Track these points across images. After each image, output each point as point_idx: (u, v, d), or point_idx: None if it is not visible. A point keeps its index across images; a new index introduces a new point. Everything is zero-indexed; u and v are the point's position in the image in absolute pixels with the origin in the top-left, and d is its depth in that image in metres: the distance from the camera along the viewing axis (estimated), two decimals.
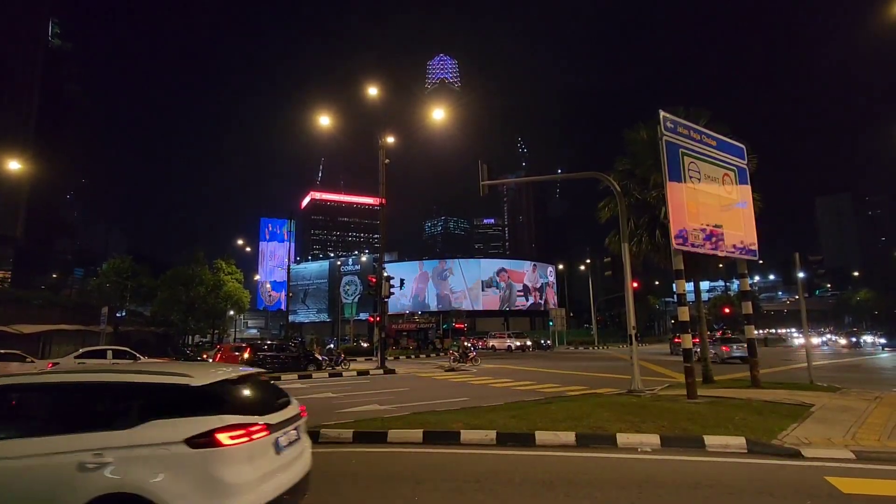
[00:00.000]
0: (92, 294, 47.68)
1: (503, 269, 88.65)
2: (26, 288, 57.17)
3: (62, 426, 3.74)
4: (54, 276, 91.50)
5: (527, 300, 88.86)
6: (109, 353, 20.13)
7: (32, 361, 21.73)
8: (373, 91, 29.83)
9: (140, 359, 20.51)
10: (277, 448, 3.92)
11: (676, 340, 33.27)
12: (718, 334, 62.11)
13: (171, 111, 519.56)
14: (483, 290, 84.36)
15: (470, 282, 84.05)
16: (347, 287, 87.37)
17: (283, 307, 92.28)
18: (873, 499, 5.07)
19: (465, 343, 28.83)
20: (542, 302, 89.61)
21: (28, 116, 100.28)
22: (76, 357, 19.55)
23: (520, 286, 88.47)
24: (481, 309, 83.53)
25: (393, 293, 26.38)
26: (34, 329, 31.91)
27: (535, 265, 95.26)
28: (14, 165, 38.27)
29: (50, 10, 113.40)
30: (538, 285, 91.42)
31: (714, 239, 12.61)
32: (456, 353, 26.05)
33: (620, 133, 16.23)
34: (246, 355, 22.70)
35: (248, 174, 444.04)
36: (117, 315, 44.56)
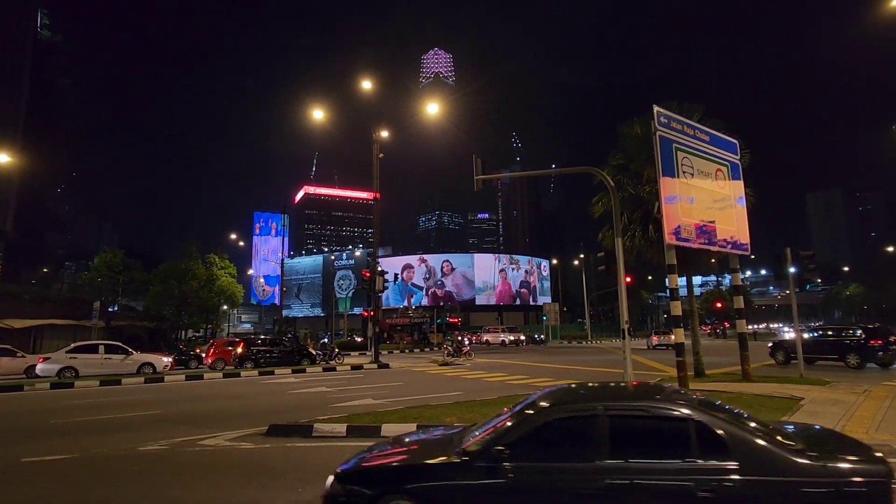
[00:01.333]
0: (83, 288, 47.36)
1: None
2: (16, 282, 56.74)
3: None
4: (45, 270, 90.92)
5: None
6: (101, 348, 20.00)
7: (23, 356, 21.59)
8: (367, 85, 29.70)
9: (132, 353, 20.39)
10: None
11: (655, 339, 36.35)
12: (709, 329, 62.87)
13: (163, 104, 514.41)
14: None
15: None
16: (341, 282, 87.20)
17: (276, 302, 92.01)
18: None
19: (459, 337, 28.91)
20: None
21: (17, 109, 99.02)
22: (68, 352, 19.42)
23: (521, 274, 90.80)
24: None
25: (387, 287, 26.38)
26: (25, 324, 31.67)
27: (529, 259, 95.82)
28: (2, 158, 37.81)
29: (39, 1, 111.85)
30: (531, 271, 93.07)
31: (707, 234, 12.70)
32: (450, 348, 26.13)
33: (615, 128, 16.28)
34: (239, 350, 22.66)
35: (241, 168, 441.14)
36: (109, 310, 44.19)
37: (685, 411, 3.49)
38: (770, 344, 22.61)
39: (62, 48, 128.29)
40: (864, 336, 18.65)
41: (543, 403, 3.85)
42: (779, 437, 3.50)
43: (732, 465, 3.21)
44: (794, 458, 3.26)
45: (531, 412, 3.77)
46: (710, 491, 3.16)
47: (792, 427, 4.06)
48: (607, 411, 3.55)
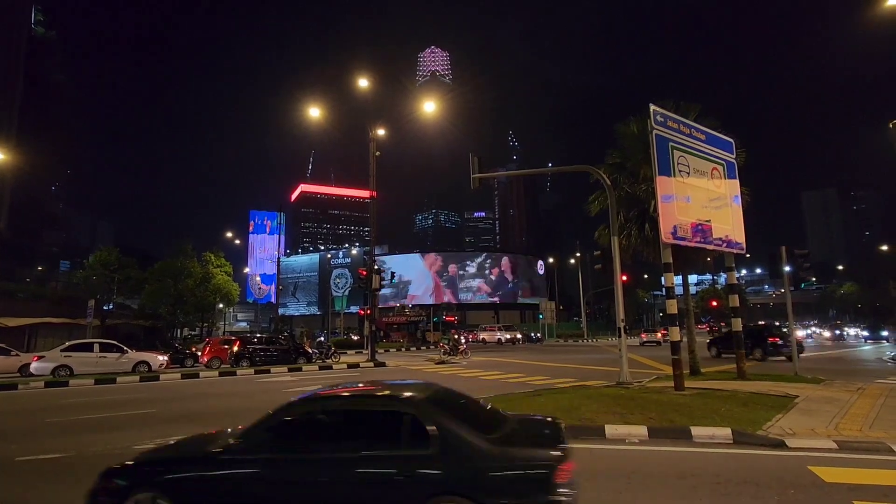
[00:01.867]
0: (78, 287, 47.16)
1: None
2: (11, 280, 56.38)
3: None
4: (40, 268, 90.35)
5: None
6: (96, 347, 19.90)
7: (17, 355, 21.45)
8: (363, 83, 29.63)
9: (127, 352, 20.31)
10: None
11: (643, 336, 42.45)
12: (706, 327, 63.17)
13: (158, 102, 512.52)
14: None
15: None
16: (338, 280, 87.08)
17: (273, 300, 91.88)
18: (854, 487, 5.17)
19: (456, 336, 28.90)
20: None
21: (11, 106, 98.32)
22: (62, 350, 19.31)
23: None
24: (481, 301, 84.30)
25: (384, 285, 26.34)
26: (19, 322, 31.44)
27: (527, 258, 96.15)
28: None
29: None
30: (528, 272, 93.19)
31: (702, 233, 12.71)
32: (446, 346, 26.11)
33: (611, 127, 16.25)
34: (235, 348, 22.58)
35: (237, 166, 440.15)
36: (104, 308, 44.05)
37: (404, 408, 3.97)
38: (708, 340, 27.07)
39: (57, 45, 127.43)
40: (765, 334, 23.27)
41: (288, 403, 4.24)
42: (493, 429, 3.99)
43: (431, 453, 3.67)
44: (485, 447, 3.71)
45: (273, 411, 4.18)
46: (408, 475, 3.64)
47: (524, 419, 4.56)
48: (337, 408, 4.17)
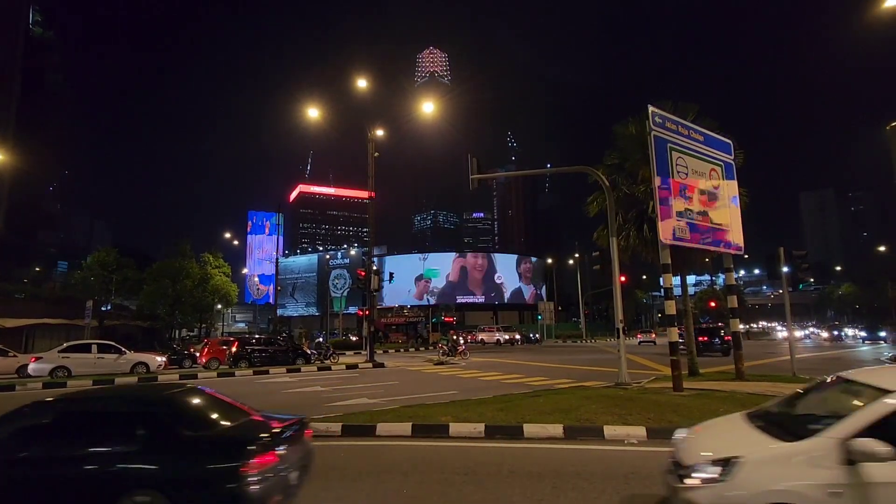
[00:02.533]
0: (76, 287, 47.06)
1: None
2: (8, 281, 56.24)
3: None
4: (37, 269, 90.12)
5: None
6: (94, 348, 19.85)
7: (15, 356, 21.41)
8: (362, 83, 29.60)
9: (126, 353, 20.26)
10: None
11: (639, 336, 45.07)
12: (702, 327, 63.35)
13: (156, 101, 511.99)
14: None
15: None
16: (336, 281, 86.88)
17: (271, 301, 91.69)
18: None
19: (455, 336, 28.86)
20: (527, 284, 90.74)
21: (8, 106, 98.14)
22: (60, 351, 19.26)
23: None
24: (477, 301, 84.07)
25: (382, 286, 26.32)
26: (17, 323, 31.40)
27: (524, 259, 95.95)
28: None
29: None
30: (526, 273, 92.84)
31: (701, 234, 12.74)
32: (445, 347, 26.08)
33: (610, 128, 16.29)
34: (234, 349, 22.54)
35: (235, 167, 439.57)
36: (102, 309, 44.00)
37: (120, 408, 4.33)
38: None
39: (54, 45, 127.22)
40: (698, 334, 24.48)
41: (13, 410, 4.42)
42: (213, 427, 4.25)
43: (135, 449, 3.94)
44: (187, 444, 3.98)
45: (25, 410, 4.39)
46: (107, 471, 3.89)
47: (260, 418, 4.75)
48: (63, 410, 4.39)
